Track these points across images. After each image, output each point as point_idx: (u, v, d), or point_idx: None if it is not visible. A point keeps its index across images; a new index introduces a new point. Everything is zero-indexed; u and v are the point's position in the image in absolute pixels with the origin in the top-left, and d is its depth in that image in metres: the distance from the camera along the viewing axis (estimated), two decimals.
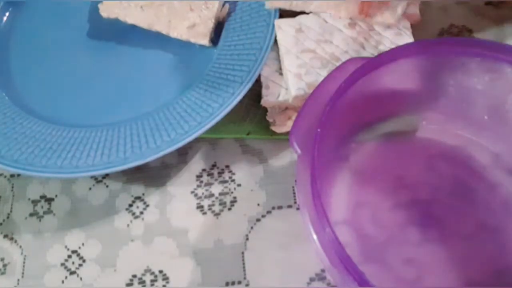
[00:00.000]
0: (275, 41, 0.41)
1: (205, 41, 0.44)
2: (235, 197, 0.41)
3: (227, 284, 0.38)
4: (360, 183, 0.37)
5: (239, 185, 0.41)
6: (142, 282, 0.38)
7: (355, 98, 0.33)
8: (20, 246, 0.41)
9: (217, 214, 0.40)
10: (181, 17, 0.44)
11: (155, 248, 0.39)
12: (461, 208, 0.36)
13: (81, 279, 0.39)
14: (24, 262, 0.40)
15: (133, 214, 0.41)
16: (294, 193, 0.41)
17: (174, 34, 0.44)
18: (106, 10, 0.45)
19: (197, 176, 0.42)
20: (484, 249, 0.34)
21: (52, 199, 0.42)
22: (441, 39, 0.45)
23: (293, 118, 0.41)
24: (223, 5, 0.45)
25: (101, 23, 0.46)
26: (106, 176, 0.43)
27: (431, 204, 0.36)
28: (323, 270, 0.38)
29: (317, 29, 0.40)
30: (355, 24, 0.41)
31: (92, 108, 0.43)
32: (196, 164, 0.43)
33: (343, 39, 0.40)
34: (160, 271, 0.39)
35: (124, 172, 0.42)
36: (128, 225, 0.41)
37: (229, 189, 0.41)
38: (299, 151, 0.31)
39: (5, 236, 0.41)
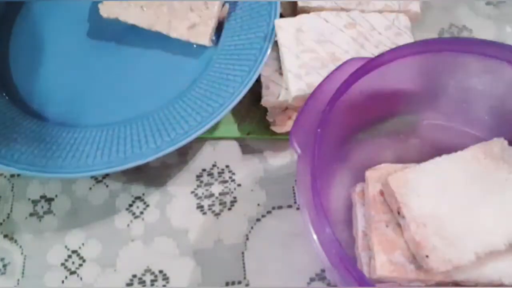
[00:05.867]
0: (275, 41, 0.41)
1: (205, 41, 0.44)
2: (235, 197, 0.41)
3: (227, 284, 0.38)
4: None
5: (239, 185, 0.41)
6: (142, 282, 0.38)
7: (355, 98, 0.33)
8: (20, 246, 0.41)
9: (217, 214, 0.40)
10: (181, 17, 0.44)
11: (155, 248, 0.39)
12: None
13: (81, 279, 0.39)
14: (24, 262, 0.40)
15: (133, 214, 0.41)
16: (294, 193, 0.41)
17: (174, 34, 0.44)
18: (106, 10, 0.45)
19: (197, 176, 0.42)
20: None
21: (52, 199, 0.42)
22: (441, 39, 0.45)
23: (293, 118, 0.41)
24: (223, 5, 0.45)
25: (101, 23, 0.46)
26: (106, 176, 0.43)
27: None
28: (323, 270, 0.38)
29: (318, 29, 0.40)
30: (355, 24, 0.41)
31: (93, 108, 0.43)
32: (196, 164, 0.43)
33: (343, 39, 0.40)
34: (160, 271, 0.39)
35: (124, 172, 0.42)
36: (128, 225, 0.41)
37: (229, 189, 0.41)
38: (299, 151, 0.31)
39: (5, 236, 0.41)
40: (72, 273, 0.39)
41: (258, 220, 0.40)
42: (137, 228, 0.40)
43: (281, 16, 0.43)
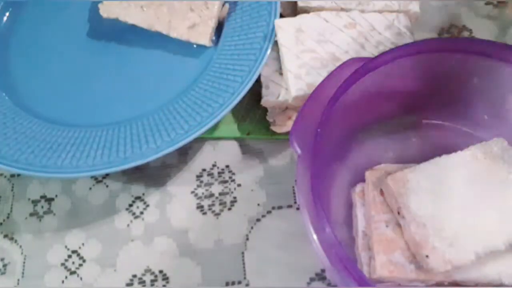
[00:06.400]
0: (275, 41, 0.41)
1: (205, 41, 0.44)
2: (235, 197, 0.41)
3: (227, 284, 0.38)
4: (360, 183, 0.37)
5: (239, 185, 0.41)
6: (142, 282, 0.38)
7: (355, 98, 0.33)
8: (20, 246, 0.41)
9: (217, 214, 0.40)
10: (181, 17, 0.44)
11: (155, 248, 0.39)
12: None
13: (81, 279, 0.39)
14: (24, 262, 0.40)
15: (133, 214, 0.41)
16: (294, 193, 0.41)
17: (174, 34, 0.44)
18: (106, 10, 0.45)
19: (197, 176, 0.42)
20: None
21: (52, 199, 0.42)
22: (441, 39, 0.45)
23: (293, 118, 0.41)
24: (223, 5, 0.45)
25: (101, 23, 0.46)
26: (106, 176, 0.43)
27: None
28: (323, 270, 0.38)
29: (318, 29, 0.40)
30: (355, 24, 0.41)
31: (93, 108, 0.43)
32: (196, 164, 0.42)
33: (343, 39, 0.40)
34: (160, 271, 0.39)
35: (124, 172, 0.42)
36: (128, 225, 0.41)
37: (229, 189, 0.41)
38: (299, 151, 0.31)
39: (5, 236, 0.41)
40: (72, 273, 0.39)
41: (258, 220, 0.40)
42: (137, 228, 0.40)
43: (281, 16, 0.43)
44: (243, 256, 0.39)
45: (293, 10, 0.44)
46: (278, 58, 0.41)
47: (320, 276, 0.37)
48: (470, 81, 0.36)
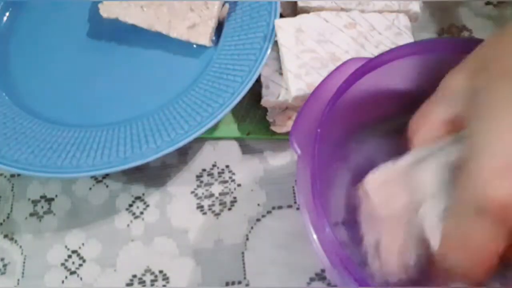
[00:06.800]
0: (275, 41, 0.41)
1: (205, 41, 0.44)
2: (235, 197, 0.41)
3: (227, 284, 0.38)
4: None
5: (239, 185, 0.41)
6: (142, 282, 0.38)
7: (355, 98, 0.33)
8: (20, 246, 0.41)
9: (217, 214, 0.40)
10: (181, 17, 0.44)
11: (155, 248, 0.39)
12: None
13: (81, 279, 0.39)
14: (24, 262, 0.40)
15: (133, 214, 0.41)
16: (294, 193, 0.41)
17: (174, 34, 0.44)
18: (106, 10, 0.45)
19: (197, 176, 0.42)
20: None
21: (52, 199, 0.42)
22: (441, 39, 0.45)
23: (293, 118, 0.41)
24: (223, 5, 0.45)
25: (101, 23, 0.46)
26: (106, 176, 0.43)
27: None
28: (323, 270, 0.38)
29: (318, 29, 0.40)
30: (355, 24, 0.41)
31: (92, 108, 0.43)
32: (196, 164, 0.42)
33: (344, 39, 0.40)
34: (160, 271, 0.39)
35: (124, 172, 0.42)
36: (128, 225, 0.41)
37: (229, 189, 0.41)
38: (299, 151, 0.31)
39: (5, 236, 0.41)
40: (72, 273, 0.39)
41: (258, 220, 0.40)
42: (137, 228, 0.40)
43: (281, 16, 0.43)
44: (243, 256, 0.39)
45: (293, 10, 0.44)
46: (278, 58, 0.41)
47: (320, 276, 0.37)
48: None
